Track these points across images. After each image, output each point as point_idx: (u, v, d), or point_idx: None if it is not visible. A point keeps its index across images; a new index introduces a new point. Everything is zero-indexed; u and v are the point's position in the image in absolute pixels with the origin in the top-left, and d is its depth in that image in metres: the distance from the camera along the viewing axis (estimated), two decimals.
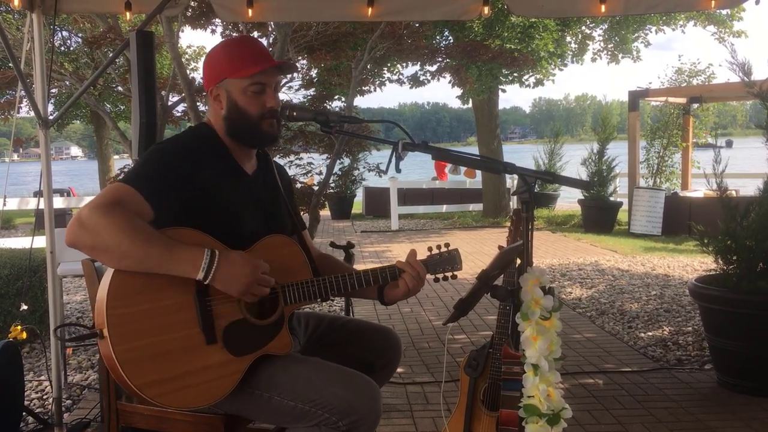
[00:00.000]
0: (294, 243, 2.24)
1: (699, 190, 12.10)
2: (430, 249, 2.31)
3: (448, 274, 2.32)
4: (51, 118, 3.81)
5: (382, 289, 2.32)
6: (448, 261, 2.31)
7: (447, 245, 2.34)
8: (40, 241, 5.05)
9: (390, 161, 2.01)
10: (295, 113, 2.20)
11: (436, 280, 2.32)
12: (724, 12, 13.71)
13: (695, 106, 12.64)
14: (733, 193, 6.73)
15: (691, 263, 8.58)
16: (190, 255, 1.91)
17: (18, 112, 5.51)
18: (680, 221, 11.05)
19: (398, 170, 2.04)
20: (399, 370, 4.37)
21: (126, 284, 1.91)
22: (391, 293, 2.30)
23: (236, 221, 2.14)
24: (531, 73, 14.31)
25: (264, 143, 2.29)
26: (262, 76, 2.17)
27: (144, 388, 1.87)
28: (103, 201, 1.90)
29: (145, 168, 2.05)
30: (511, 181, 14.79)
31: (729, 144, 12.41)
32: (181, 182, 2.03)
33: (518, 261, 1.95)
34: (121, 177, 2.04)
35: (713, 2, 3.88)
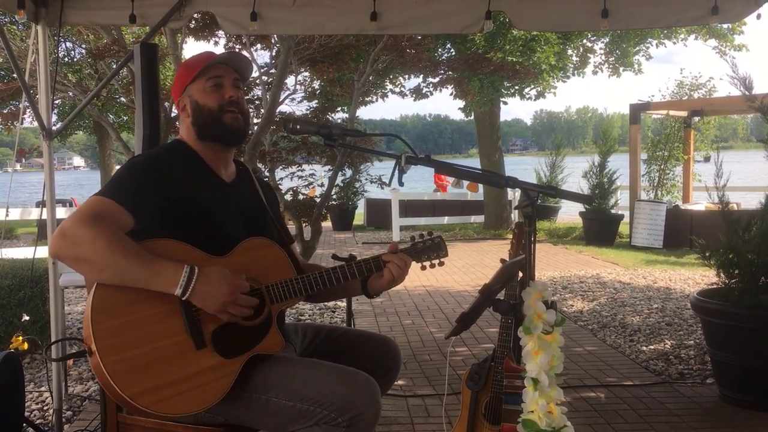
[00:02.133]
0: (274, 244, 2.24)
1: (700, 203, 12.11)
2: (412, 238, 2.34)
3: (435, 262, 2.34)
4: (54, 129, 3.83)
5: (366, 282, 2.33)
6: (432, 248, 2.33)
7: (430, 233, 2.36)
8: (42, 252, 5.05)
9: (393, 174, 2.03)
10: (298, 126, 2.22)
11: (423, 268, 2.33)
12: (725, 26, 13.76)
13: (696, 119, 12.66)
14: (735, 206, 6.73)
15: (693, 276, 8.57)
16: (169, 270, 1.93)
17: (21, 123, 5.52)
18: (682, 234, 11.05)
19: (401, 183, 2.05)
20: (400, 382, 4.37)
21: (109, 298, 1.93)
22: (376, 283, 2.31)
23: (217, 227, 2.16)
24: (532, 86, 14.36)
25: (230, 137, 2.27)
26: (216, 69, 2.24)
27: (136, 397, 1.88)
28: (85, 214, 1.94)
29: (123, 180, 2.09)
30: (513, 193, 14.80)
31: (707, 159, 12.47)
32: (159, 191, 2.07)
33: (520, 275, 1.95)
34: (99, 191, 2.08)
35: (715, 17, 3.88)
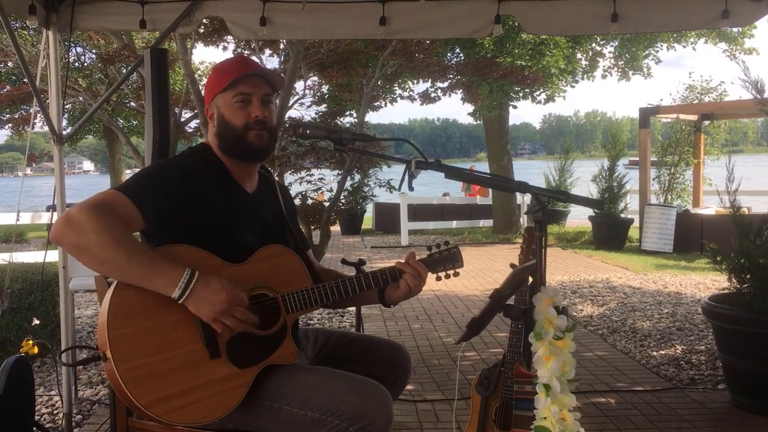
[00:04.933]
0: (291, 252, 2.24)
1: (710, 207, 12.04)
2: (429, 248, 2.32)
3: (450, 272, 2.32)
4: (65, 133, 3.85)
5: (383, 291, 2.32)
6: (449, 259, 2.31)
7: (446, 243, 2.34)
8: (53, 256, 5.07)
9: (403, 179, 2.02)
10: (308, 131, 2.22)
11: (438, 278, 2.32)
12: (735, 30, 13.70)
13: (706, 123, 12.60)
14: (745, 210, 6.69)
15: (704, 281, 8.52)
16: (169, 271, 1.91)
17: (32, 128, 5.55)
18: (692, 238, 11.00)
19: (411, 188, 2.05)
20: (409, 387, 4.35)
21: (125, 304, 1.92)
22: (393, 294, 2.30)
23: (234, 237, 2.15)
24: (542, 90, 14.33)
25: (253, 155, 2.25)
26: (245, 86, 2.18)
27: (150, 406, 1.88)
28: (93, 202, 1.92)
29: (140, 180, 2.09)
30: (522, 198, 14.76)
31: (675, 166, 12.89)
32: (175, 196, 2.05)
33: (530, 279, 1.95)
34: (117, 185, 2.07)
35: (725, 21, 3.87)
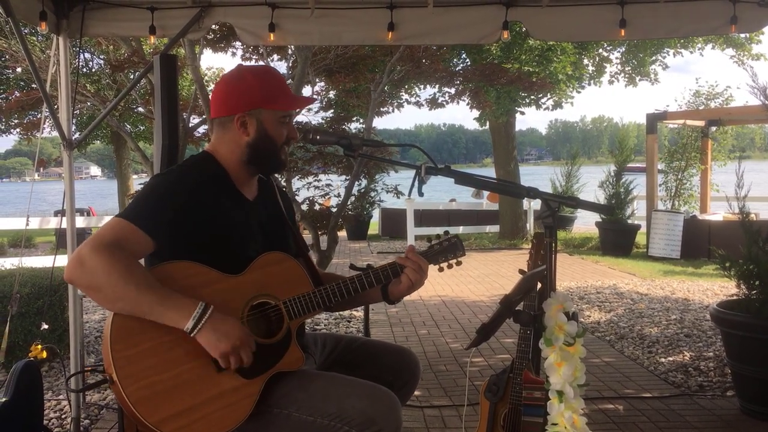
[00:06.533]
0: (290, 258, 2.24)
1: (718, 213, 12.01)
2: (429, 240, 2.33)
3: (453, 262, 2.32)
4: (75, 138, 3.87)
5: (386, 288, 2.32)
6: (449, 249, 2.31)
7: (446, 233, 2.34)
8: (61, 260, 5.09)
9: (413, 185, 2.03)
10: (318, 137, 2.24)
11: (441, 269, 2.31)
12: (742, 35, 13.69)
13: (713, 128, 12.57)
14: (753, 216, 6.66)
15: (711, 287, 8.49)
16: (182, 305, 1.93)
17: (42, 133, 5.58)
18: (699, 245, 10.96)
19: (421, 194, 2.05)
20: (416, 393, 4.34)
21: (127, 325, 1.93)
22: (396, 290, 2.30)
23: (237, 247, 2.16)
24: (549, 96, 14.31)
25: (277, 170, 2.39)
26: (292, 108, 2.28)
27: (160, 424, 1.88)
28: (103, 242, 1.93)
29: (145, 201, 2.08)
30: (528, 203, 14.75)
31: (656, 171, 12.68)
32: (181, 213, 2.05)
33: (540, 285, 1.95)
34: (121, 211, 2.08)
35: (733, 27, 3.87)
